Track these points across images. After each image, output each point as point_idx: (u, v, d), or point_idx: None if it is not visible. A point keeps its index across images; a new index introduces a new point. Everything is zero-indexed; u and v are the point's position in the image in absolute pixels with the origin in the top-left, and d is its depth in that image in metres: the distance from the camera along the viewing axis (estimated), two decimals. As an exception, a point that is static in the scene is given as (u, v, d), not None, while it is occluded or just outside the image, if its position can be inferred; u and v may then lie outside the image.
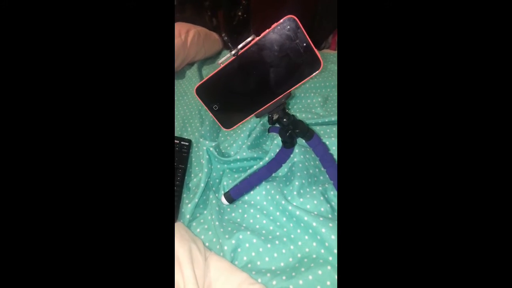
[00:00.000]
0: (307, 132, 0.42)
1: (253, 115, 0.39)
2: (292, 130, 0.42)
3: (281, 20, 0.33)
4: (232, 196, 0.47)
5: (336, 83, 0.71)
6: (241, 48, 0.35)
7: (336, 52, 0.95)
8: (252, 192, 0.47)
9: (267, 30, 0.34)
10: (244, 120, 0.39)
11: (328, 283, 0.34)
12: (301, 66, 0.35)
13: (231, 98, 0.38)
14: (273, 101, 0.38)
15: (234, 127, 0.40)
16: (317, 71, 0.35)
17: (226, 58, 0.36)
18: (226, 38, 0.35)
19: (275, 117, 0.40)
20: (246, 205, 0.46)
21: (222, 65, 0.36)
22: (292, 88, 0.37)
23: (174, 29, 0.80)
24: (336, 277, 0.35)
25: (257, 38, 0.34)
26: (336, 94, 0.69)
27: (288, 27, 0.33)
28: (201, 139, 0.54)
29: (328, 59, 0.82)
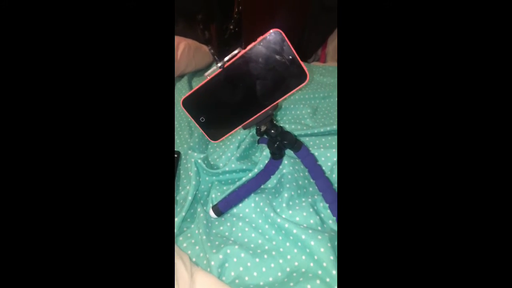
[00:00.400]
0: (295, 144, 0.42)
1: (240, 127, 0.39)
2: (280, 142, 0.42)
3: (267, 33, 0.34)
4: (220, 209, 0.46)
5: (325, 94, 0.72)
6: (227, 61, 0.35)
7: (325, 64, 0.97)
8: (240, 205, 0.47)
9: (253, 43, 0.34)
10: (231, 132, 0.39)
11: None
12: (287, 78, 0.35)
13: (218, 110, 0.38)
14: (260, 113, 0.38)
15: (222, 139, 0.39)
16: (303, 83, 0.36)
17: (212, 70, 0.36)
18: (212, 51, 0.36)
19: (263, 128, 0.40)
20: (234, 218, 0.45)
21: (208, 78, 0.36)
22: (279, 100, 0.37)
23: (174, 35, 0.81)
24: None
25: (243, 51, 0.35)
26: (325, 105, 0.70)
27: (274, 40, 0.34)
28: (189, 151, 0.53)
29: (317, 71, 0.84)
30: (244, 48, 0.35)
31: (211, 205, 0.47)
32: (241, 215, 0.46)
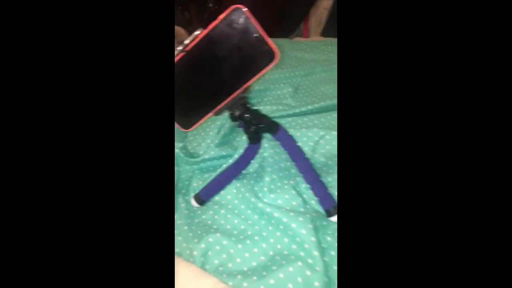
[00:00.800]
0: (272, 126, 0.41)
1: (211, 113, 0.37)
2: (256, 125, 0.41)
3: (228, 11, 0.31)
4: (202, 197, 0.45)
5: (306, 72, 0.70)
6: (189, 43, 0.33)
7: (307, 39, 0.93)
8: (222, 192, 0.46)
9: (214, 22, 0.32)
10: (202, 120, 0.37)
11: (300, 279, 0.34)
12: (255, 58, 0.33)
13: (185, 97, 0.36)
14: (230, 97, 0.36)
15: (193, 127, 0.38)
16: (273, 63, 0.33)
17: (175, 54, 0.34)
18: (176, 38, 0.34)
19: (237, 113, 0.39)
20: (216, 206, 0.45)
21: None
22: (249, 82, 0.35)
23: (174, 28, 0.77)
24: (307, 272, 0.34)
25: (205, 31, 0.32)
26: (306, 83, 0.68)
27: (237, 17, 0.31)
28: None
29: (299, 47, 0.81)
30: (205, 28, 0.32)
31: (192, 194, 0.46)
32: (223, 202, 0.45)
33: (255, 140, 0.43)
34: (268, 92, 0.65)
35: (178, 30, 0.87)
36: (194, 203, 0.45)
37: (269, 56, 0.33)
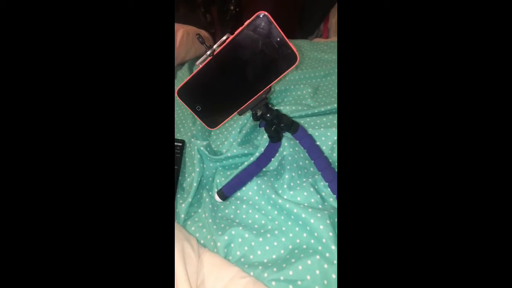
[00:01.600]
0: (292, 126, 0.43)
1: (235, 113, 0.39)
2: (277, 125, 0.42)
3: (253, 17, 0.33)
4: (225, 193, 0.48)
5: (326, 72, 0.71)
6: (217, 48, 0.35)
7: (327, 40, 0.94)
8: (244, 188, 0.48)
9: (240, 28, 0.34)
10: (227, 119, 0.40)
11: (317, 272, 0.35)
12: (278, 61, 0.35)
13: (212, 97, 0.39)
14: (253, 98, 0.38)
15: (219, 126, 0.40)
16: (294, 65, 0.35)
17: (203, 58, 0.36)
18: (200, 39, 0.36)
19: (259, 113, 0.41)
20: (238, 201, 0.47)
21: (200, 66, 0.37)
22: (271, 84, 0.37)
23: (174, 28, 0.80)
24: (325, 265, 0.36)
25: (231, 36, 0.35)
26: (326, 83, 0.69)
27: (261, 23, 0.34)
28: (192, 139, 0.55)
29: (318, 48, 0.82)
30: (232, 33, 0.35)
31: (216, 190, 0.49)
32: (244, 198, 0.47)
33: (275, 139, 0.45)
34: (289, 92, 0.66)
35: (201, 32, 0.91)
36: (217, 198, 0.48)
37: (291, 58, 0.35)
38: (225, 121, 0.40)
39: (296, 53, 0.35)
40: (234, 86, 0.38)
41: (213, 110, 0.40)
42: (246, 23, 0.34)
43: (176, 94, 0.39)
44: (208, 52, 0.36)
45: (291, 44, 0.34)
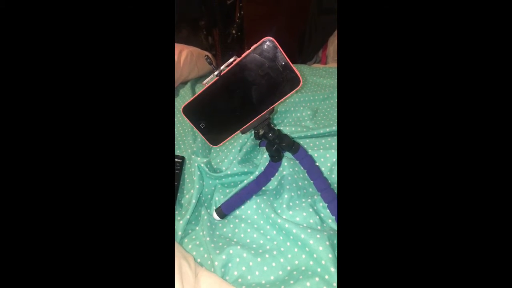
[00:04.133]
0: (293, 146, 0.44)
1: (238, 131, 0.40)
2: (278, 144, 0.43)
3: (260, 41, 0.35)
4: (224, 211, 0.47)
5: (325, 96, 0.73)
6: (224, 69, 0.37)
7: (325, 66, 0.98)
8: (243, 207, 0.48)
9: (247, 52, 0.36)
10: (230, 137, 0.40)
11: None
12: (281, 83, 0.37)
13: (216, 116, 0.40)
14: (257, 118, 0.39)
15: (221, 143, 0.41)
16: (297, 88, 0.37)
17: (210, 78, 0.38)
18: (208, 60, 0.38)
19: (261, 132, 0.42)
20: (237, 220, 0.47)
21: (206, 85, 0.38)
22: (274, 105, 0.38)
23: (174, 40, 0.83)
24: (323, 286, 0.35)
25: (238, 59, 0.36)
26: (325, 107, 0.71)
27: (267, 47, 0.35)
28: (193, 156, 0.55)
29: (318, 73, 0.85)
30: (239, 56, 0.36)
31: (214, 207, 0.49)
32: (243, 216, 0.47)
33: (276, 159, 0.46)
34: (289, 114, 0.68)
35: (203, 53, 0.94)
36: (215, 216, 0.47)
37: (294, 82, 0.37)
38: (228, 139, 0.41)
39: (300, 77, 0.36)
40: (238, 105, 0.39)
41: (216, 128, 0.41)
42: (253, 47, 0.36)
43: (181, 111, 0.40)
44: (216, 73, 0.37)
45: (295, 68, 0.36)
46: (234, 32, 1.74)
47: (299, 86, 0.37)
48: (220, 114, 0.40)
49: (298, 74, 0.36)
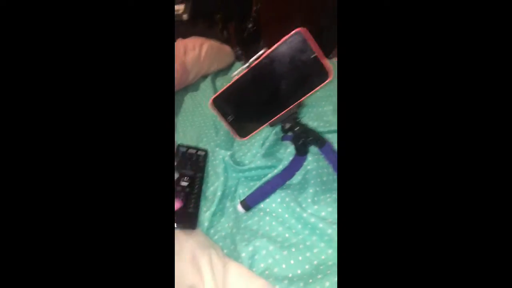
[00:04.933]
0: (319, 140, 0.43)
1: (266, 124, 0.40)
2: (305, 138, 0.43)
3: (291, 33, 0.35)
4: (249, 204, 0.48)
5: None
6: (253, 61, 0.36)
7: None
8: (267, 200, 0.48)
9: (278, 43, 0.36)
10: (258, 130, 0.40)
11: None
12: (310, 76, 0.36)
13: (245, 108, 0.40)
14: (285, 111, 0.39)
15: (249, 136, 0.41)
16: (326, 81, 0.36)
17: (239, 70, 0.38)
18: (240, 52, 0.37)
19: (288, 126, 0.42)
20: (261, 213, 0.47)
21: (235, 78, 0.38)
22: (303, 98, 0.38)
23: (174, 42, 0.83)
24: None
25: (268, 51, 0.36)
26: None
27: (297, 39, 0.35)
28: (216, 149, 0.56)
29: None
30: (267, 46, 0.36)
31: (238, 200, 0.49)
32: (268, 209, 0.47)
33: (302, 152, 0.45)
34: (310, 108, 0.67)
35: (224, 47, 0.94)
36: (240, 208, 0.48)
37: (323, 75, 0.36)
38: (255, 132, 0.41)
39: (328, 70, 0.36)
40: (267, 98, 0.39)
41: (245, 121, 0.41)
42: (283, 39, 0.36)
43: (210, 103, 0.40)
44: (245, 65, 0.37)
45: (324, 61, 0.35)
46: (250, 26, 1.73)
47: (328, 80, 0.36)
48: (249, 107, 0.40)
49: (328, 67, 0.35)
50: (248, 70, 0.37)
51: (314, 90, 0.37)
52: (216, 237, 0.44)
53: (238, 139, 0.41)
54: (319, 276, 0.37)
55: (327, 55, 1.24)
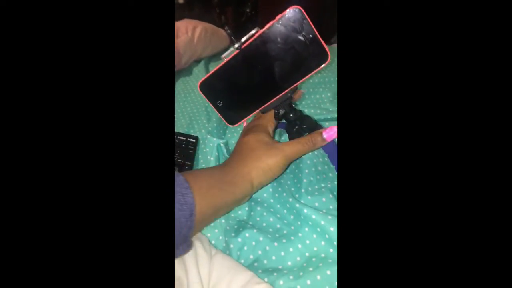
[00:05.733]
0: (315, 128, 0.41)
1: (258, 110, 0.38)
2: (300, 126, 0.41)
3: (286, 11, 0.32)
4: None
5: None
6: (245, 42, 0.34)
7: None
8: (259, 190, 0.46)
9: (271, 22, 0.33)
10: (249, 116, 0.38)
11: (337, 284, 0.33)
12: (308, 58, 0.34)
13: (235, 93, 0.37)
14: (279, 96, 0.37)
15: (239, 123, 0.39)
16: (324, 64, 0.34)
17: (229, 52, 0.35)
18: (229, 31, 0.35)
19: (281, 112, 0.39)
20: (252, 203, 0.45)
21: (225, 60, 0.35)
22: (299, 82, 0.36)
23: (174, 25, 0.80)
24: None
25: (261, 30, 0.33)
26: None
27: (293, 18, 0.32)
28: (208, 136, 0.53)
29: (336, 53, 0.80)
30: (262, 28, 0.33)
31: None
32: (259, 199, 0.45)
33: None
34: (307, 95, 0.65)
35: (218, 30, 0.90)
36: None
37: (322, 57, 0.34)
38: (246, 118, 0.38)
39: (328, 51, 0.33)
40: (259, 82, 0.36)
41: (235, 106, 0.38)
42: (277, 17, 0.33)
43: (198, 87, 0.38)
44: (236, 45, 0.34)
45: (323, 42, 0.33)
46: (248, 10, 1.68)
47: (326, 62, 0.34)
48: (240, 91, 0.37)
49: (327, 48, 0.33)
50: (239, 52, 0.34)
51: (312, 73, 0.35)
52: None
53: (228, 125, 0.39)
54: (311, 269, 0.35)
55: (330, 39, 1.20)
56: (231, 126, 0.39)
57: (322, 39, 0.33)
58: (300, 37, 0.33)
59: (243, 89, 0.37)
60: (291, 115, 0.39)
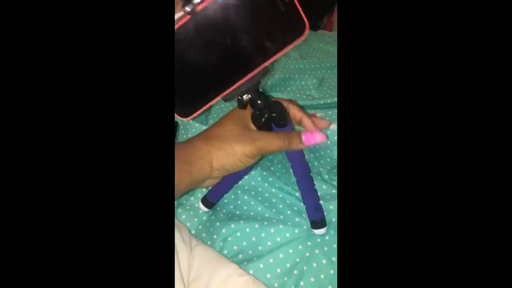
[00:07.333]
0: (285, 117, 0.32)
1: (218, 98, 0.28)
2: (269, 114, 0.32)
3: None
4: (211, 200, 0.40)
5: (332, 64, 0.68)
6: (199, 4, 0.24)
7: (331, 33, 0.91)
8: (246, 177, 0.43)
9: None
10: (207, 106, 0.28)
11: (322, 276, 0.31)
12: (281, 30, 0.26)
13: (188, 75, 0.27)
14: (245, 79, 0.27)
15: (195, 115, 0.29)
16: (301, 38, 0.26)
17: (178, 18, 0.25)
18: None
19: (246, 98, 0.29)
20: (239, 191, 0.42)
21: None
22: (270, 60, 0.27)
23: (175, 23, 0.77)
24: (331, 271, 0.32)
25: None
26: (331, 76, 0.66)
27: None
28: (190, 121, 0.51)
29: (324, 39, 0.78)
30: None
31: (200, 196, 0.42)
32: (246, 187, 0.43)
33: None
34: (292, 82, 0.63)
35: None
36: (202, 207, 0.40)
37: (298, 27, 0.26)
38: (203, 109, 0.29)
39: (306, 22, 0.28)
40: (219, 60, 0.27)
41: (188, 93, 0.28)
42: None
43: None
44: (187, 9, 0.24)
45: (300, 9, 0.27)
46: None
47: (303, 36, 0.26)
48: (193, 73, 0.27)
49: (305, 18, 0.27)
50: (190, 18, 0.25)
51: (286, 49, 0.26)
52: (184, 216, 0.40)
53: (180, 119, 0.29)
54: (297, 260, 0.33)
55: (316, 24, 1.15)
56: (182, 119, 0.28)
57: (310, 27, 0.27)
58: (272, 1, 0.24)
59: (198, 70, 0.27)
60: (259, 101, 0.30)
